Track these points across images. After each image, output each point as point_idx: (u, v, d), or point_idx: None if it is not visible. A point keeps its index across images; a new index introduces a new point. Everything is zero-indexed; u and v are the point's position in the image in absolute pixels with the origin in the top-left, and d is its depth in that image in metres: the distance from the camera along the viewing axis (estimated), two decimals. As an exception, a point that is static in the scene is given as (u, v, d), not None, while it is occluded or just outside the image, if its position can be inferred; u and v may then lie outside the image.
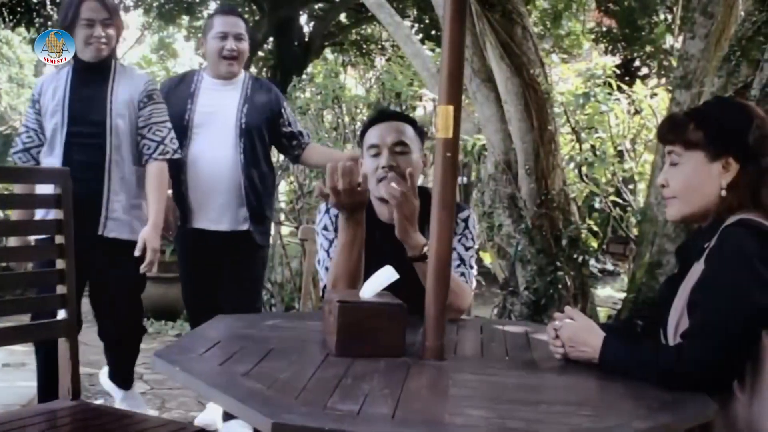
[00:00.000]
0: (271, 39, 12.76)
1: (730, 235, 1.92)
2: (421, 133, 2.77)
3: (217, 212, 3.81)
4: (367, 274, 2.29)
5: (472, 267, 2.75)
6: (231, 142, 3.75)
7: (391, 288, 2.17)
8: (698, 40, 4.32)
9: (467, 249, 2.76)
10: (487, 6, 4.02)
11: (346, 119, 6.15)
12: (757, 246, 1.88)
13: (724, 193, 1.99)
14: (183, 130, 3.75)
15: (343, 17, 13.28)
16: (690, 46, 4.36)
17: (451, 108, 2.21)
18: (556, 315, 2.14)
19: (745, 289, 1.84)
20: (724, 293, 1.86)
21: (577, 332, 2.06)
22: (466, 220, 2.74)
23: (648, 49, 11.48)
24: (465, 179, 5.39)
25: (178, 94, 3.85)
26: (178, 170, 3.76)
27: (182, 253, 4.09)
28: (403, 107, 5.72)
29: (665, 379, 1.86)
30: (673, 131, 2.08)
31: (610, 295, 9.38)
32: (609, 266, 9.83)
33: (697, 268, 1.97)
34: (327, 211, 2.75)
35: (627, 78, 10.63)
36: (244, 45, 3.88)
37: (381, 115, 2.78)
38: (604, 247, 8.79)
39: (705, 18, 4.30)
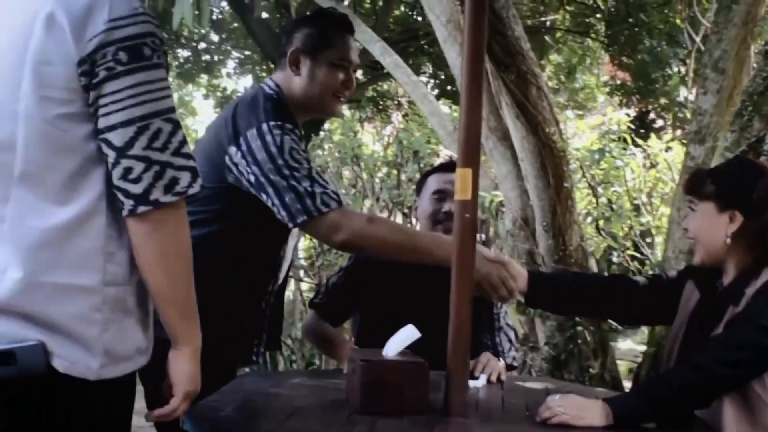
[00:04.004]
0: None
1: None
2: None
3: None
4: (411, 317, 2.35)
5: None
6: None
7: (422, 334, 2.23)
8: (710, 96, 4.39)
9: (510, 327, 2.86)
10: (502, 67, 4.12)
11: (365, 176, 6.24)
12: None
13: (728, 241, 2.22)
14: None
15: (359, 74, 13.46)
16: (703, 101, 4.43)
17: (469, 171, 2.28)
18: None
19: None
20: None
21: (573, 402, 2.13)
22: None
23: (663, 101, 11.56)
24: (483, 236, 5.44)
25: None
26: None
27: None
28: (421, 165, 5.80)
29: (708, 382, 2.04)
30: (694, 184, 2.34)
31: (631, 348, 9.34)
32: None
33: (732, 311, 2.16)
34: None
35: (642, 130, 10.72)
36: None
37: (448, 166, 2.91)
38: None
39: (717, 74, 4.38)
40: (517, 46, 4.16)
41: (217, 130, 2.50)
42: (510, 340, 2.91)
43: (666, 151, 5.90)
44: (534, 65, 4.28)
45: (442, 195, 2.84)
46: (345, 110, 14.12)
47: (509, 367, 2.84)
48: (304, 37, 2.57)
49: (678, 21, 9.01)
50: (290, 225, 2.34)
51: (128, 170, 1.57)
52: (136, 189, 1.57)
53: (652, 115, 12.49)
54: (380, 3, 12.31)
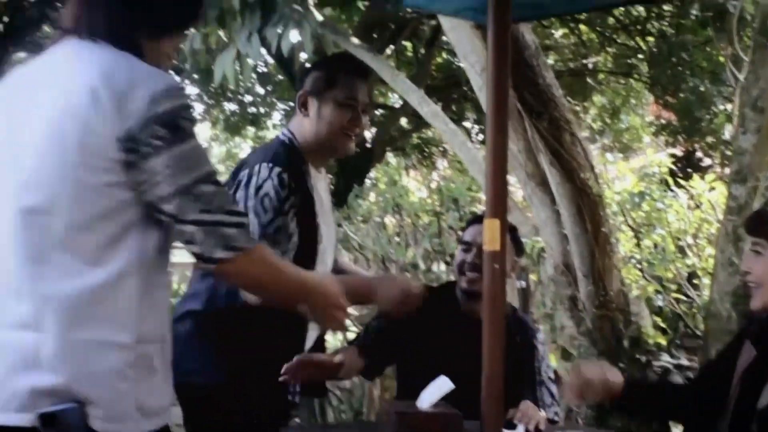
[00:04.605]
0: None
1: None
2: (516, 239, 2.91)
3: None
4: (439, 366, 2.36)
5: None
6: None
7: (458, 385, 2.24)
8: (750, 135, 4.37)
9: (553, 380, 2.85)
10: (535, 115, 4.15)
11: (408, 223, 6.26)
12: None
13: None
14: None
15: (404, 122, 13.56)
16: (742, 140, 4.40)
17: (497, 221, 2.31)
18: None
19: None
20: None
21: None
22: (544, 343, 2.86)
23: (709, 140, 11.45)
24: (524, 283, 5.42)
25: None
26: None
27: None
28: (461, 212, 5.82)
29: None
30: (760, 225, 2.27)
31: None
32: (684, 361, 9.61)
33: None
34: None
35: (689, 170, 10.62)
36: None
37: (480, 217, 2.89)
38: (678, 342, 8.64)
39: (755, 113, 4.36)
40: (548, 93, 4.19)
41: None
42: (552, 394, 2.88)
43: (710, 191, 5.84)
44: (567, 111, 4.30)
45: (467, 246, 2.87)
46: (390, 158, 14.24)
47: (551, 422, 2.81)
48: (312, 79, 2.66)
49: (721, 59, 8.95)
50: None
51: (185, 234, 1.72)
52: (196, 249, 1.73)
53: (699, 154, 12.36)
54: (422, 51, 12.44)
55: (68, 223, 1.65)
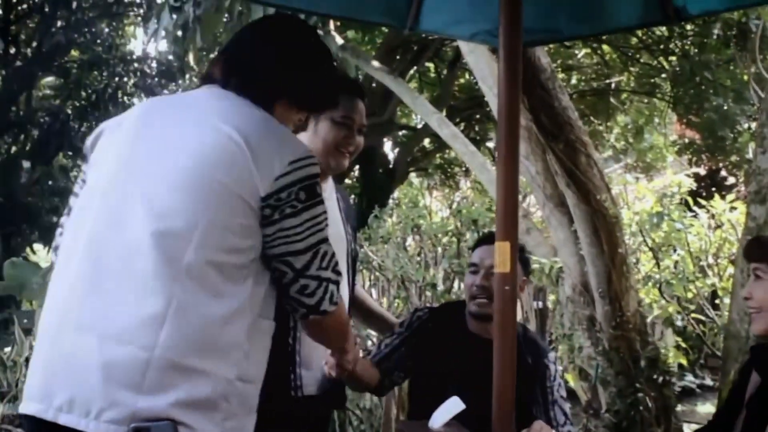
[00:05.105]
0: (356, 167, 13.16)
1: None
2: (524, 260, 2.92)
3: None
4: (449, 386, 2.38)
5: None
6: None
7: (468, 405, 2.26)
8: (770, 155, 4.36)
9: (565, 399, 2.86)
10: (551, 137, 4.18)
11: (428, 244, 6.30)
12: None
13: None
14: None
15: (426, 142, 13.62)
16: (762, 161, 4.40)
17: (507, 244, 2.33)
18: None
19: None
20: None
21: None
22: (555, 363, 2.87)
23: (733, 158, 11.40)
24: (540, 303, 5.43)
25: None
26: None
27: None
28: (481, 233, 5.84)
29: None
30: (760, 250, 2.27)
31: (710, 411, 9.07)
32: (708, 381, 9.55)
33: None
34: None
35: (713, 188, 10.58)
36: None
37: (487, 238, 2.91)
38: (702, 362, 8.58)
39: (775, 133, 4.35)
40: (564, 116, 4.21)
41: None
42: (565, 414, 2.88)
43: (730, 210, 5.83)
44: (582, 134, 4.32)
45: (475, 268, 2.86)
46: (413, 178, 14.29)
47: None
48: None
49: (745, 77, 8.92)
50: None
51: (305, 287, 1.88)
52: (310, 301, 1.90)
53: (723, 173, 12.30)
54: (444, 72, 12.50)
55: (198, 253, 1.76)
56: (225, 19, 6.24)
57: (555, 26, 3.08)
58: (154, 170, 1.83)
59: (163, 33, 6.19)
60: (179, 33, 6.32)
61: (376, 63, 6.77)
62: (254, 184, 1.79)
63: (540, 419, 2.76)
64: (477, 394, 2.36)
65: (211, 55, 6.89)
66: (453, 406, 2.33)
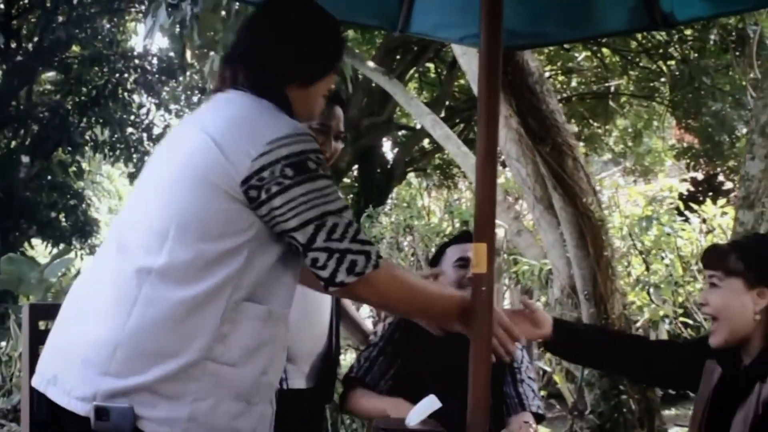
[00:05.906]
0: (355, 167, 13.17)
1: None
2: None
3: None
4: (439, 385, 2.40)
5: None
6: None
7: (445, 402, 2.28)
8: (758, 161, 4.36)
9: (533, 380, 2.91)
10: (538, 140, 4.20)
11: (420, 245, 6.32)
12: None
13: (757, 317, 2.21)
14: None
15: (425, 143, 13.62)
16: (750, 166, 4.41)
17: (484, 245, 2.34)
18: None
19: None
20: None
21: None
22: (523, 350, 2.91)
23: (731, 163, 11.40)
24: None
25: None
26: None
27: None
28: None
29: None
30: (716, 259, 2.31)
31: (687, 413, 9.08)
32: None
33: (760, 387, 2.14)
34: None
35: (711, 193, 10.57)
36: None
37: (464, 237, 3.00)
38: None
39: (764, 139, 4.36)
40: (551, 119, 4.24)
41: None
42: (533, 390, 2.95)
43: (721, 215, 5.83)
44: (569, 137, 4.34)
45: (463, 262, 2.89)
46: (411, 178, 14.27)
47: (536, 417, 2.87)
48: None
49: (743, 83, 8.93)
50: None
51: (315, 260, 1.86)
52: (324, 274, 1.87)
53: (720, 178, 12.30)
54: (444, 73, 12.52)
55: (174, 251, 1.82)
56: (222, 18, 6.27)
57: (542, 30, 3.10)
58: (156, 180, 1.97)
59: (158, 30, 6.21)
60: (177, 31, 6.35)
61: (371, 63, 6.80)
62: (227, 171, 1.82)
63: (510, 394, 2.83)
64: (454, 392, 2.39)
65: (210, 53, 6.91)
66: (429, 404, 2.34)
